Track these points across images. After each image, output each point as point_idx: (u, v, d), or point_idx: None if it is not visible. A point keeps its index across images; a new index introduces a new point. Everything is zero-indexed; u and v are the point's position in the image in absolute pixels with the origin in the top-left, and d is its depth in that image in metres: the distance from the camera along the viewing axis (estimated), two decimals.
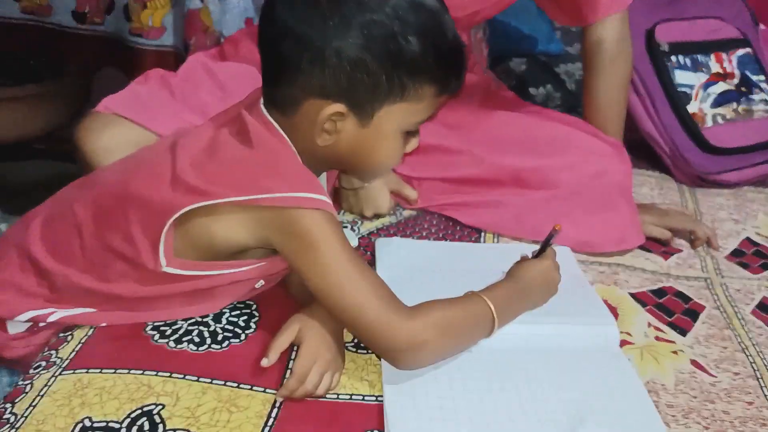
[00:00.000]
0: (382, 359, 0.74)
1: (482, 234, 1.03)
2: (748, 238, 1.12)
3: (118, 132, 0.89)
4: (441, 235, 1.02)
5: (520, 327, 0.79)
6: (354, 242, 0.96)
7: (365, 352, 0.76)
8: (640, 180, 1.27)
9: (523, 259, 0.84)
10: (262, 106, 0.70)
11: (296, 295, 0.81)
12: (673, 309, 0.91)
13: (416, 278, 0.89)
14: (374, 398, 0.71)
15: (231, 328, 0.77)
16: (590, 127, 1.08)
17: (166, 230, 0.68)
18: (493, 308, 0.73)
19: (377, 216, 1.04)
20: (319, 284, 0.68)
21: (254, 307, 0.81)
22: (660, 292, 0.94)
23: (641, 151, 1.32)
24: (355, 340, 0.78)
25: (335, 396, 0.70)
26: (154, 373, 0.70)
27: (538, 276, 0.81)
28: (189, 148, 0.70)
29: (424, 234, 1.02)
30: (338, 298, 0.67)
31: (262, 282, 0.79)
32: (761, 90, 1.38)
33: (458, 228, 1.04)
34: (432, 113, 0.72)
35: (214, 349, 0.74)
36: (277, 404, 0.68)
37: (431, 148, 1.05)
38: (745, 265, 1.04)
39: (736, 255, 1.07)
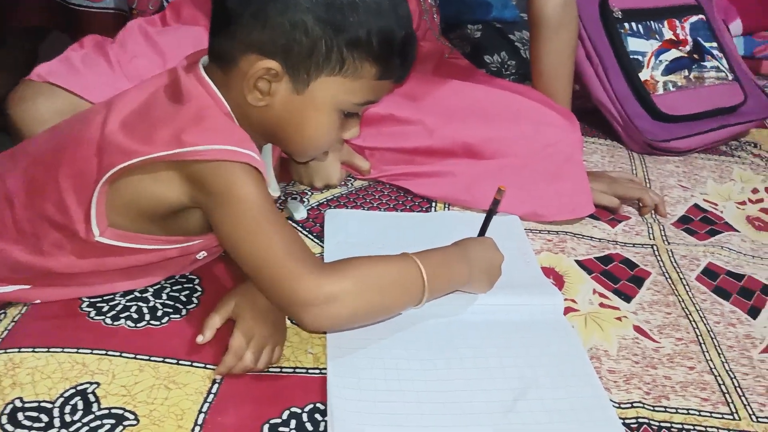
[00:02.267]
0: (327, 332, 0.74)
1: (433, 204, 1.02)
2: (696, 205, 1.13)
3: (50, 101, 0.86)
4: (392, 206, 1.01)
5: (465, 299, 0.79)
6: (303, 214, 0.95)
7: None
8: (591, 148, 1.28)
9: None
10: (200, 65, 0.69)
11: (236, 269, 0.79)
12: (619, 276, 0.92)
13: (366, 250, 0.87)
14: (318, 371, 0.70)
15: (171, 303, 0.75)
16: (542, 96, 1.07)
17: (97, 195, 0.66)
18: (423, 272, 0.70)
19: (328, 187, 1.02)
20: (229, 234, 0.66)
21: (197, 281, 0.80)
22: (606, 259, 0.95)
23: (593, 118, 1.33)
24: None
25: (278, 370, 0.70)
26: (89, 351, 0.68)
27: (483, 255, 0.77)
28: (121, 110, 0.68)
29: (374, 205, 1.01)
30: (244, 249, 0.65)
31: (204, 253, 0.77)
32: (713, 57, 1.39)
33: (409, 198, 1.03)
34: (373, 98, 0.70)
35: (153, 325, 0.72)
36: (218, 380, 0.67)
37: (383, 118, 1.04)
38: (691, 232, 1.05)
39: (683, 222, 1.08)
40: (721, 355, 0.80)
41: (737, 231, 1.07)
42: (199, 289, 0.79)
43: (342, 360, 0.70)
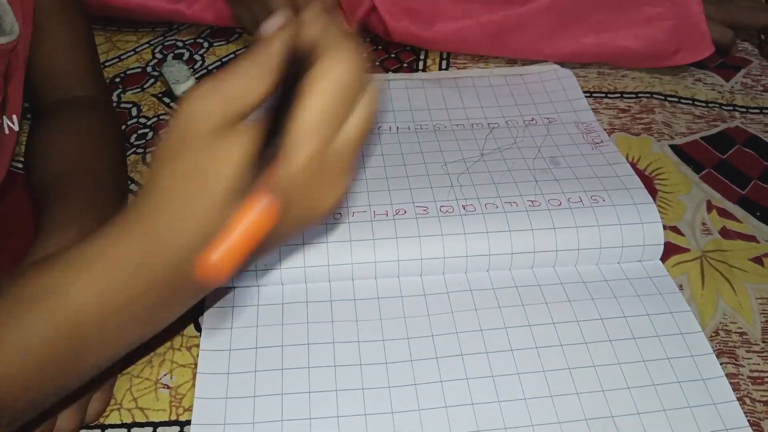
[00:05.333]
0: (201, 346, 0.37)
1: (422, 56, 0.61)
2: None
3: None
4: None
5: (478, 242, 0.42)
6: (189, 83, 0.54)
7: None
8: None
9: None
10: None
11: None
12: (747, 170, 0.53)
13: None
14: (178, 429, 0.35)
15: None
16: None
17: None
18: None
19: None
20: None
21: None
22: (722, 141, 0.55)
23: None
24: None
25: None
26: None
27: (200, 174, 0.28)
28: None
29: None
30: None
31: None
32: None
33: (381, 47, 0.62)
34: None
35: None
36: None
37: None
38: None
39: None
40: None
41: None
42: None
43: (217, 400, 0.35)
